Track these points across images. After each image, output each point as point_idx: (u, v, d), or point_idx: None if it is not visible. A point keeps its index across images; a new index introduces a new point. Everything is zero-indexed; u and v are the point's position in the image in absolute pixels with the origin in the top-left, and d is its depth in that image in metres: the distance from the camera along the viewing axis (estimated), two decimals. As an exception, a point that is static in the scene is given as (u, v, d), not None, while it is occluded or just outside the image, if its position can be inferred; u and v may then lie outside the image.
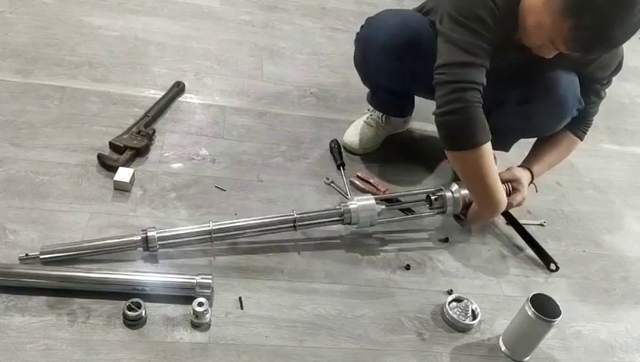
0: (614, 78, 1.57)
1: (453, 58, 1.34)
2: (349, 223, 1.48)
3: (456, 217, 1.64)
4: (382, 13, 1.60)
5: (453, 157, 1.44)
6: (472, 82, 1.33)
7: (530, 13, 1.30)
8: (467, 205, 1.57)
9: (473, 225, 1.66)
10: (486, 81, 1.35)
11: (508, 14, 1.34)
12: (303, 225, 1.45)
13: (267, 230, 1.43)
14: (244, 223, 1.41)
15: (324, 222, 1.47)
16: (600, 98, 1.61)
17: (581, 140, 1.67)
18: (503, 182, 1.57)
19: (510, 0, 1.33)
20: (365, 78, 1.72)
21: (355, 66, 1.69)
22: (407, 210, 1.63)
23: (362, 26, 1.63)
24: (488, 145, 1.39)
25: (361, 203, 1.47)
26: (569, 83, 1.52)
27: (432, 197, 1.56)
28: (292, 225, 1.43)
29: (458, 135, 1.38)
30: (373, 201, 1.48)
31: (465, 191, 1.54)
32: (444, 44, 1.36)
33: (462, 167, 1.46)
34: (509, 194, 1.58)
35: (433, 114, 1.39)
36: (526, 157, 1.69)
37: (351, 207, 1.47)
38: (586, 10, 1.19)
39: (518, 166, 1.65)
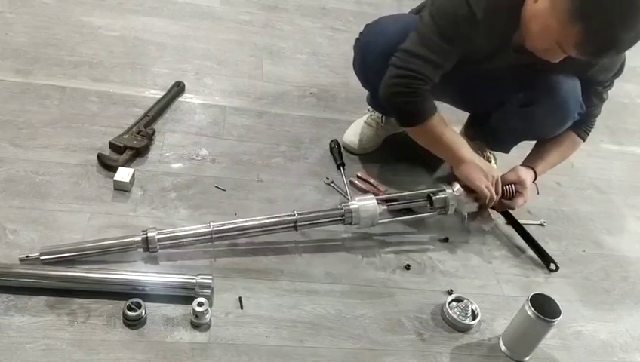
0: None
1: (412, 47, 1.41)
2: (350, 223, 1.48)
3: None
4: (381, 20, 1.59)
5: (408, 131, 1.56)
6: (420, 74, 1.40)
7: (534, 19, 1.29)
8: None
9: (472, 228, 1.66)
10: (482, 82, 1.34)
11: (499, 18, 1.34)
12: (303, 225, 1.44)
13: (268, 230, 1.43)
14: (245, 224, 1.41)
15: (325, 222, 1.47)
16: (602, 100, 1.60)
17: (583, 141, 1.67)
18: (508, 183, 1.57)
19: (502, 4, 1.33)
20: (365, 83, 1.71)
21: (355, 72, 1.68)
22: (408, 210, 1.63)
23: (361, 32, 1.62)
24: (435, 117, 1.47)
25: (362, 203, 1.47)
26: (571, 86, 1.51)
27: (433, 197, 1.55)
28: (293, 225, 1.43)
29: (405, 115, 1.51)
30: (374, 201, 1.48)
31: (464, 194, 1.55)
32: (413, 32, 1.42)
33: (418, 138, 1.57)
34: (512, 197, 1.58)
35: (380, 90, 1.48)
36: (529, 157, 1.68)
37: (352, 207, 1.46)
38: (594, 14, 1.18)
39: (521, 165, 1.65)
